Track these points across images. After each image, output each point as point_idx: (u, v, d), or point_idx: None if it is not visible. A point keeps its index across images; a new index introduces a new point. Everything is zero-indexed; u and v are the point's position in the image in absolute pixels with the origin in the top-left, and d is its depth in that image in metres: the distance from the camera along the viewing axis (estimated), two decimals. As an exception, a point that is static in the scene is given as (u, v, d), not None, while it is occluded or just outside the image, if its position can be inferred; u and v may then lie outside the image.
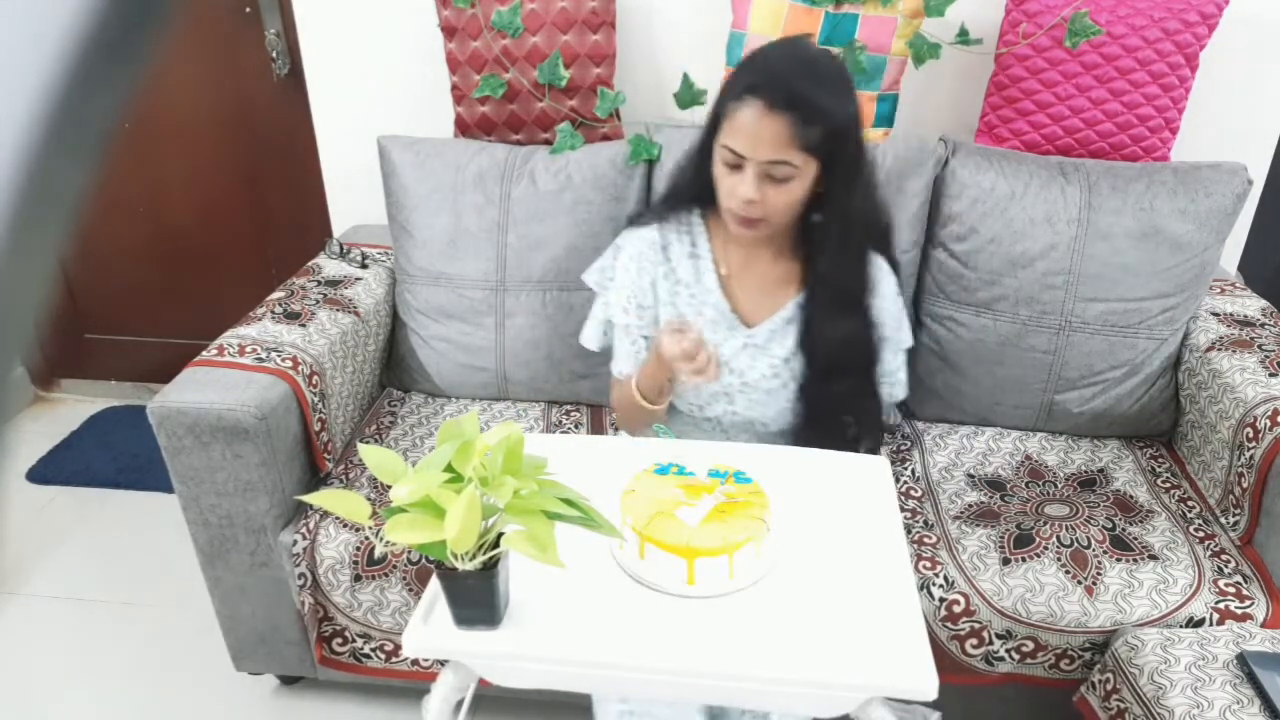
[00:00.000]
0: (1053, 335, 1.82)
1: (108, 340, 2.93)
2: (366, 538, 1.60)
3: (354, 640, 1.69)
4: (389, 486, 0.94)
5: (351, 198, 2.35)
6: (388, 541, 0.92)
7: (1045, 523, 1.61)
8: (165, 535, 2.26)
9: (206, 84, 2.48)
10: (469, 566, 0.95)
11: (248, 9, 2.35)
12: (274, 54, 2.38)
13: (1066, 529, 1.59)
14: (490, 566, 0.97)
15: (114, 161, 2.47)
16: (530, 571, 1.00)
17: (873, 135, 1.89)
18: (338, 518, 1.62)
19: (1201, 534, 1.61)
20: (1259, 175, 2.03)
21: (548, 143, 1.98)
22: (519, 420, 1.93)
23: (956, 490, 1.75)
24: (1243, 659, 1.29)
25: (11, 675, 1.99)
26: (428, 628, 1.03)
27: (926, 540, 1.60)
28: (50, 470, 2.62)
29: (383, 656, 1.70)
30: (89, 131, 0.23)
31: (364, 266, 2.05)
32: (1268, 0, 1.92)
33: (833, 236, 1.42)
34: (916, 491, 1.74)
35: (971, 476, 1.79)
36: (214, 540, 1.65)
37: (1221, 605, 1.47)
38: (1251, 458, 1.58)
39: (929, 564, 1.55)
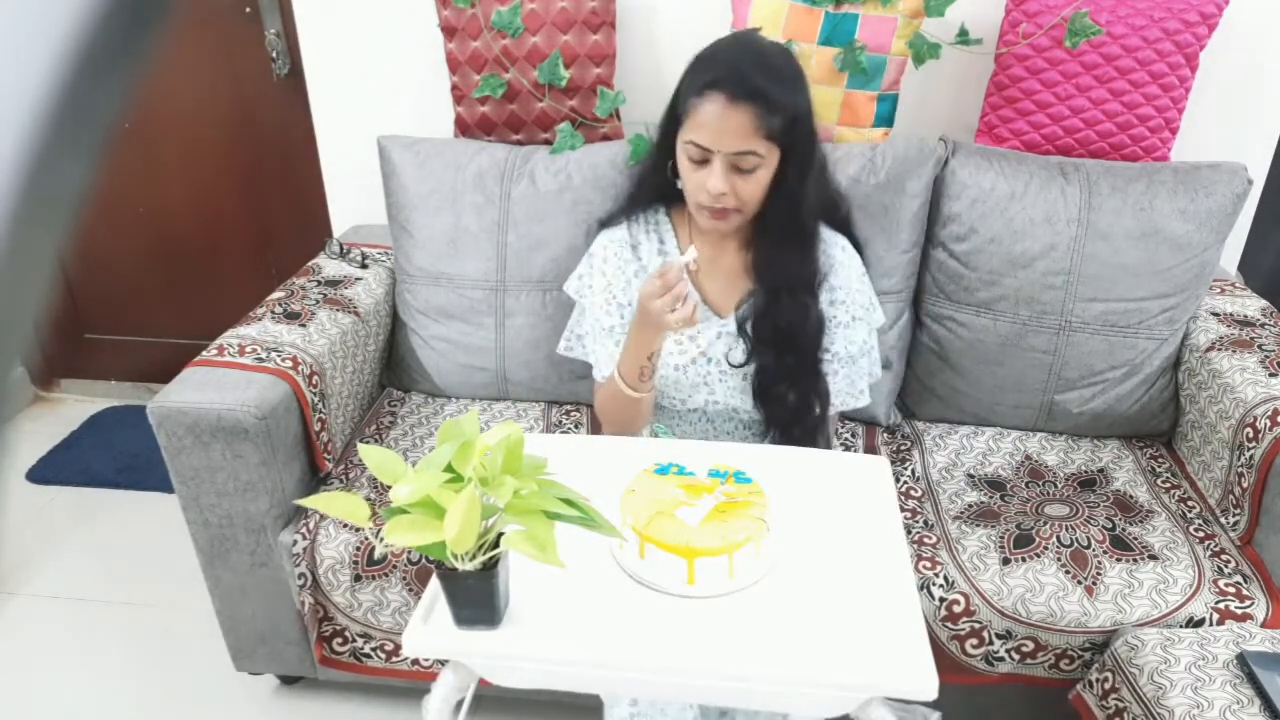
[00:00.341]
0: (1053, 335, 1.82)
1: (108, 340, 2.93)
2: (366, 538, 1.61)
3: (354, 640, 1.69)
4: (389, 486, 0.94)
5: (351, 198, 2.35)
6: (388, 542, 0.92)
7: (1045, 523, 1.61)
8: (165, 535, 2.26)
9: (206, 84, 2.48)
10: (469, 566, 0.95)
11: (248, 9, 2.35)
12: (274, 54, 2.38)
13: (1066, 529, 1.59)
14: (490, 566, 0.97)
15: (114, 161, 2.47)
16: (530, 571, 1.00)
17: (872, 135, 1.89)
18: (338, 518, 1.62)
19: (1201, 534, 1.61)
20: (1259, 175, 2.03)
21: (548, 143, 1.98)
22: (519, 420, 1.93)
23: (956, 490, 1.75)
24: (1243, 659, 1.29)
25: (11, 675, 1.99)
26: (428, 628, 1.03)
27: (926, 540, 1.60)
28: (50, 470, 2.62)
29: (383, 656, 1.70)
30: (89, 131, 0.23)
31: (364, 266, 2.05)
32: (1268, 0, 1.92)
33: (779, 222, 1.44)
34: (916, 491, 1.74)
35: (971, 476, 1.79)
36: (214, 540, 1.65)
37: (1221, 605, 1.47)
38: (1251, 458, 1.58)
39: (929, 564, 1.55)
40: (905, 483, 1.76)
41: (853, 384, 1.57)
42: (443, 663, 1.10)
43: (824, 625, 1.04)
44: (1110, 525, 1.61)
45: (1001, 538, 1.58)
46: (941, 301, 1.88)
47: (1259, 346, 1.76)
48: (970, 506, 1.70)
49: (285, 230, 2.65)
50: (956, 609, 1.51)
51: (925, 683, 0.96)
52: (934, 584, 1.52)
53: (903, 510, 1.63)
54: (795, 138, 1.36)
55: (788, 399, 1.50)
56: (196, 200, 2.66)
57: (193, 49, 2.42)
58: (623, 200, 1.64)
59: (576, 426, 1.93)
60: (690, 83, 1.38)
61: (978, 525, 1.63)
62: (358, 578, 1.61)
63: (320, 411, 1.70)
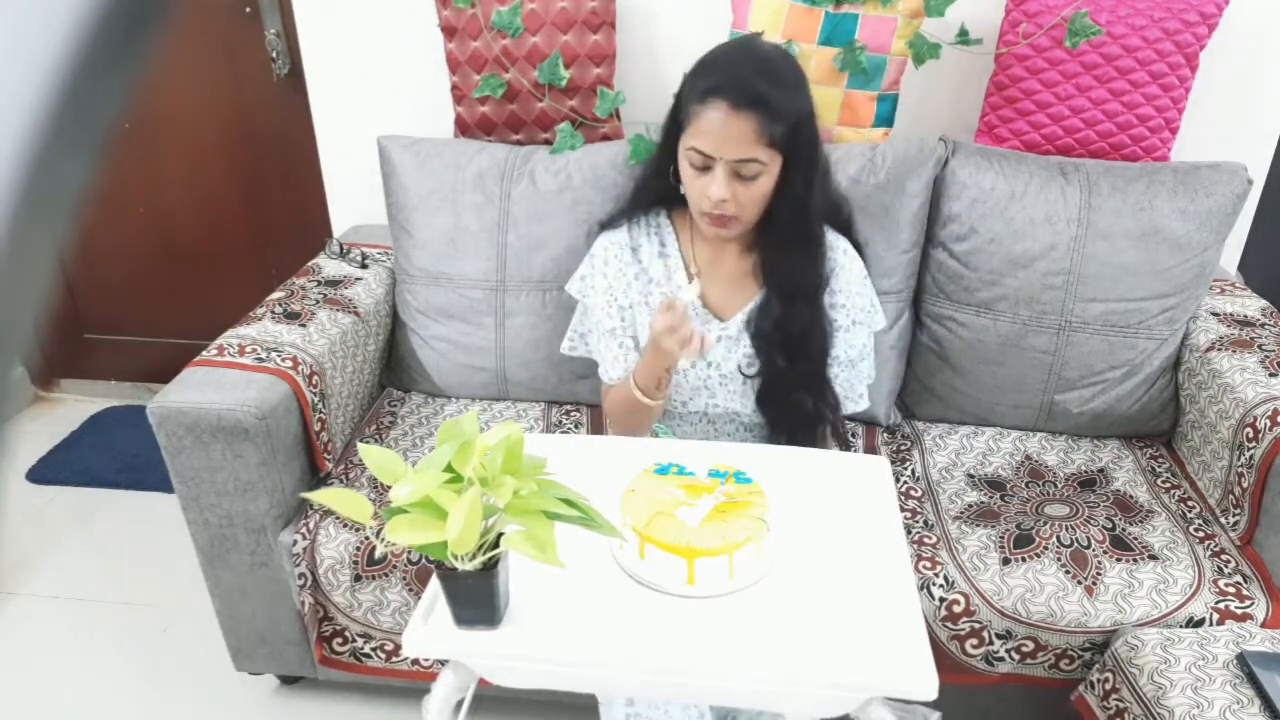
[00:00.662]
0: (1052, 335, 1.82)
1: (108, 340, 2.93)
2: (367, 538, 1.61)
3: (354, 640, 1.69)
4: (389, 487, 0.94)
5: (351, 198, 2.36)
6: (388, 542, 0.92)
7: (1045, 523, 1.61)
8: (165, 535, 2.26)
9: (206, 84, 2.48)
10: (469, 566, 0.95)
11: (248, 9, 2.35)
12: (274, 54, 2.38)
13: (1066, 529, 1.59)
14: (490, 566, 0.97)
15: (114, 161, 2.46)
16: (530, 571, 1.00)
17: (872, 135, 1.89)
18: (338, 518, 1.62)
19: (1201, 534, 1.61)
20: (1259, 175, 2.03)
21: (548, 143, 1.98)
22: (519, 420, 1.93)
23: (956, 490, 1.75)
24: (1243, 659, 1.29)
25: (11, 675, 1.99)
26: (428, 628, 1.03)
27: (926, 540, 1.60)
28: (50, 470, 2.62)
29: (383, 656, 1.70)
30: (89, 131, 0.23)
31: (364, 266, 2.05)
32: (1267, 0, 1.92)
33: (786, 227, 1.44)
34: (916, 491, 1.74)
35: (971, 476, 1.79)
36: (214, 540, 1.65)
37: (1221, 605, 1.47)
38: (1251, 458, 1.58)
39: (929, 564, 1.55)
40: (905, 483, 1.76)
41: (852, 388, 1.57)
42: (443, 663, 1.10)
43: (824, 625, 1.04)
44: (1110, 525, 1.61)
45: (1001, 538, 1.58)
46: (941, 301, 1.88)
47: (1259, 346, 1.76)
48: (970, 506, 1.70)
49: (285, 230, 2.65)
50: (956, 609, 1.51)
51: (925, 683, 0.96)
52: (934, 584, 1.52)
53: (903, 510, 1.63)
54: (798, 143, 1.36)
55: (804, 406, 1.50)
56: (197, 200, 2.66)
57: (193, 49, 2.42)
58: (624, 202, 1.64)
59: (576, 426, 1.93)
60: (692, 89, 1.37)
61: (978, 525, 1.63)
62: (358, 578, 1.61)
63: (320, 411, 1.70)
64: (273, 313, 1.81)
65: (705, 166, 1.36)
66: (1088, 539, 1.57)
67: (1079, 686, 1.46)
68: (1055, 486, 1.76)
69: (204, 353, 1.67)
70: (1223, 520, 1.65)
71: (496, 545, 0.96)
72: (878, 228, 1.79)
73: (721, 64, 1.38)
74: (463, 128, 2.04)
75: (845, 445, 1.68)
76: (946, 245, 1.85)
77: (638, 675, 1.05)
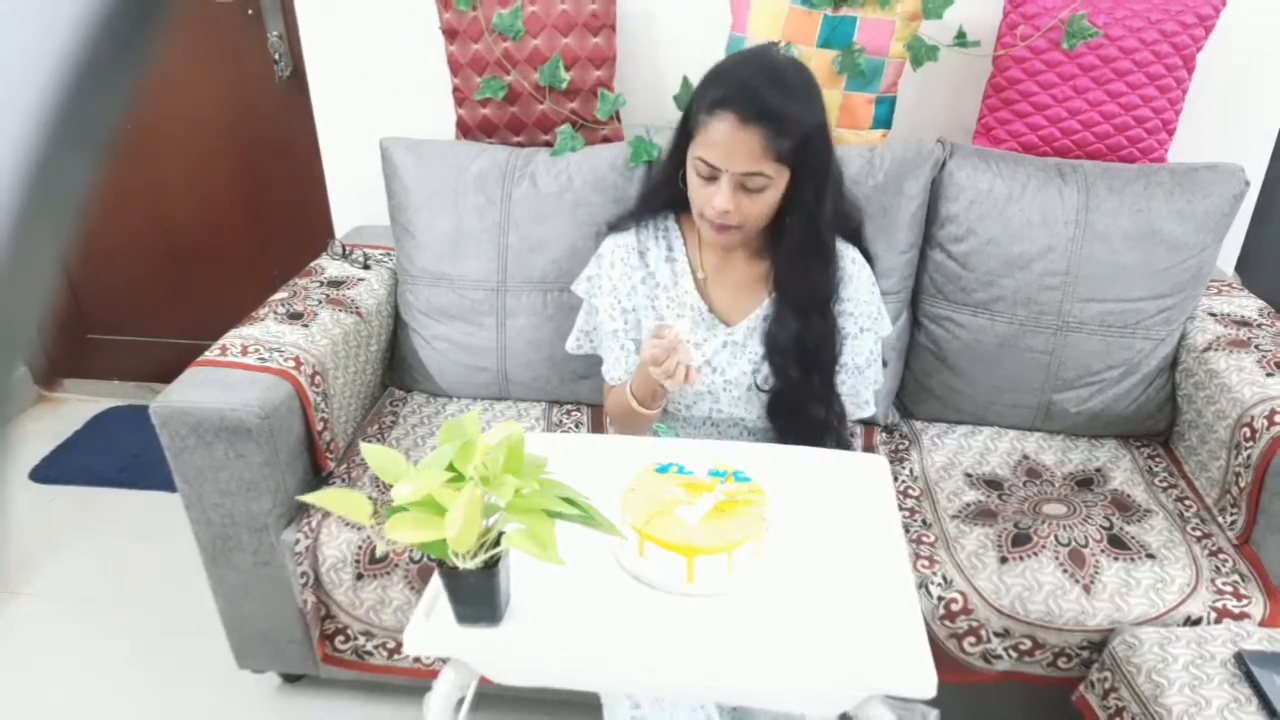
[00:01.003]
0: (1050, 336, 1.82)
1: (111, 340, 2.94)
2: (368, 537, 1.61)
3: (356, 638, 1.70)
4: (391, 485, 0.95)
5: (353, 199, 2.36)
6: (389, 540, 0.92)
7: (1043, 522, 1.61)
8: (168, 534, 2.26)
9: (209, 86, 2.48)
10: (470, 565, 0.96)
11: (250, 11, 2.36)
12: (276, 56, 2.39)
13: (1064, 528, 1.59)
14: (491, 565, 0.97)
15: (117, 162, 2.47)
16: (531, 570, 1.01)
17: (871, 137, 1.90)
18: (340, 516, 1.63)
19: (1199, 533, 1.62)
20: (1256, 176, 2.04)
21: (548, 145, 1.99)
22: (520, 420, 1.94)
23: (954, 489, 1.75)
24: (1240, 658, 1.30)
25: (13, 675, 2.00)
26: (429, 626, 1.04)
27: (925, 539, 1.61)
28: (53, 470, 2.63)
29: (385, 654, 1.71)
30: (92, 132, 0.24)
31: (366, 267, 2.06)
32: (1264, 3, 1.93)
33: (797, 239, 1.44)
34: (914, 490, 1.75)
35: (969, 476, 1.80)
36: (217, 539, 1.66)
37: (1219, 604, 1.48)
38: (1248, 457, 1.59)
39: (927, 563, 1.55)
40: (903, 482, 1.77)
41: (858, 394, 1.56)
42: (444, 661, 1.10)
43: (823, 624, 1.04)
44: (1108, 524, 1.61)
45: (999, 536, 1.59)
46: (939, 302, 1.89)
47: (1256, 346, 1.77)
48: (968, 505, 1.70)
49: (287, 231, 2.65)
50: (954, 607, 1.51)
51: (924, 681, 0.96)
52: (932, 582, 1.53)
53: (901, 509, 1.64)
54: (807, 157, 1.34)
55: (816, 416, 1.50)
56: (199, 201, 2.67)
57: (195, 51, 2.43)
58: (632, 206, 1.64)
59: (577, 426, 1.94)
60: (702, 98, 1.36)
61: (976, 524, 1.64)
62: (360, 576, 1.62)
63: (323, 411, 1.71)
64: (275, 313, 1.82)
65: (711, 176, 1.35)
66: (1085, 538, 1.57)
67: (1080, 686, 1.46)
68: (1053, 486, 1.77)
69: (207, 353, 1.68)
70: (1220, 520, 1.66)
71: (497, 544, 0.96)
72: (876, 229, 1.79)
73: (733, 75, 1.36)
74: (464, 130, 2.05)
75: (846, 450, 1.68)
76: (944, 246, 1.85)
77: (637, 673, 1.06)
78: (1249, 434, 1.60)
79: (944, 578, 1.53)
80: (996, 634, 1.52)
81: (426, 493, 0.93)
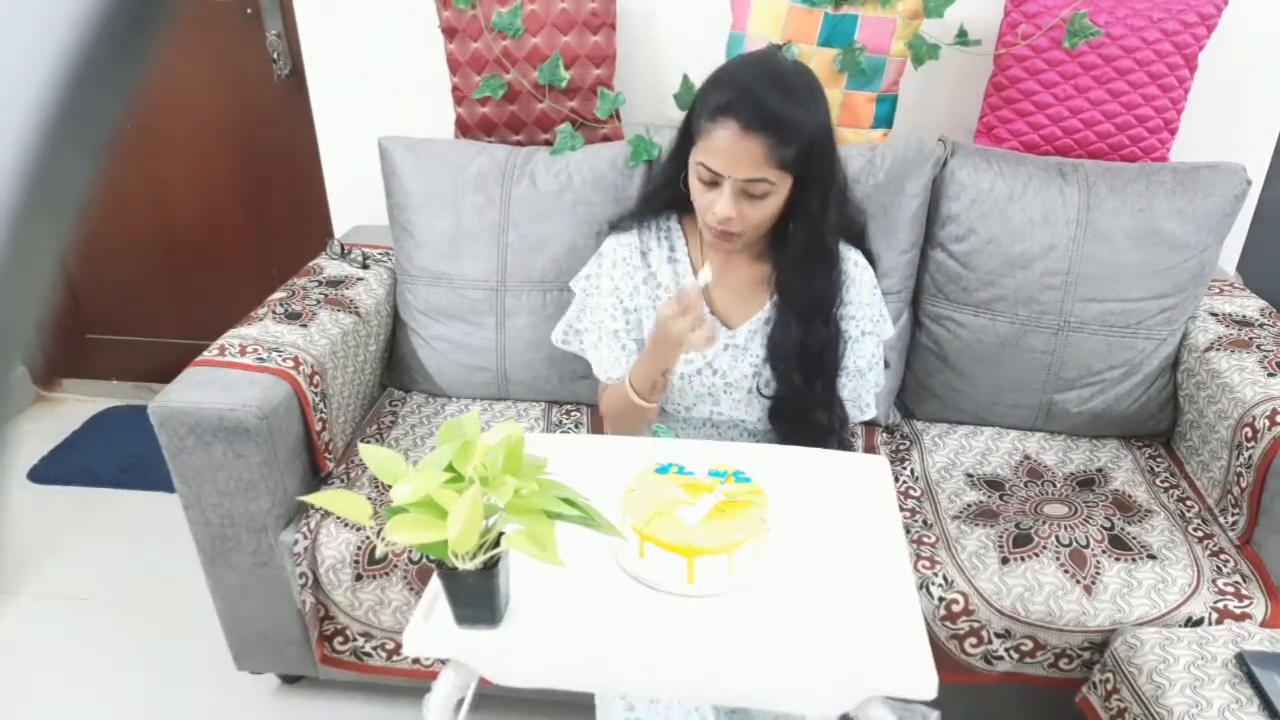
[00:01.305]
0: (1051, 335, 1.82)
1: (109, 340, 2.94)
2: (368, 537, 1.61)
3: (355, 639, 1.69)
4: (390, 486, 0.94)
5: (352, 198, 2.36)
6: (388, 541, 0.92)
7: (1044, 522, 1.61)
8: (166, 535, 2.26)
9: (208, 85, 2.48)
10: (470, 566, 0.96)
11: (249, 10, 2.36)
12: (275, 55, 2.39)
13: (1065, 528, 1.59)
14: (491, 566, 0.97)
15: (116, 162, 2.47)
16: (530, 571, 1.01)
17: (872, 136, 1.90)
18: (339, 517, 1.63)
19: (1200, 534, 1.62)
20: (1257, 176, 2.03)
21: (548, 143, 1.98)
22: (519, 420, 1.94)
23: (955, 490, 1.75)
24: (1241, 659, 1.30)
25: (12, 675, 1.99)
26: (428, 627, 1.04)
27: (925, 540, 1.60)
28: (51, 470, 2.63)
29: (384, 655, 1.70)
30: (91, 132, 0.23)
31: (365, 267, 2.05)
32: (1266, 2, 1.92)
33: (801, 245, 1.43)
34: (915, 491, 1.75)
35: (970, 476, 1.80)
36: (215, 540, 1.66)
37: (1220, 605, 1.47)
38: (1250, 458, 1.58)
39: (928, 563, 1.55)
40: (904, 482, 1.76)
41: (859, 397, 1.56)
42: (443, 662, 1.10)
43: (823, 624, 1.04)
44: (1109, 525, 1.61)
45: (1000, 537, 1.59)
46: (940, 302, 1.89)
47: (1257, 346, 1.76)
48: (969, 506, 1.70)
49: (286, 231, 2.65)
50: (955, 608, 1.51)
51: (925, 682, 0.96)
52: (933, 583, 1.52)
53: (901, 510, 1.64)
54: (811, 163, 1.33)
55: (820, 421, 1.49)
56: (198, 200, 2.67)
57: (194, 50, 2.42)
58: (634, 206, 1.64)
59: (577, 426, 1.94)
60: (705, 102, 1.35)
61: (976, 525, 1.63)
62: (359, 577, 1.62)
63: (321, 411, 1.71)
64: (274, 313, 1.82)
65: (713, 182, 1.34)
66: (1086, 538, 1.57)
67: (1083, 687, 1.46)
68: (1054, 486, 1.76)
69: (205, 353, 1.67)
70: (1221, 520, 1.65)
71: (497, 544, 0.96)
72: (877, 228, 1.79)
73: (736, 79, 1.35)
74: (463, 129, 2.05)
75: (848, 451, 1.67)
76: (945, 246, 1.85)
77: (637, 674, 1.06)
78: (1250, 434, 1.60)
79: (945, 578, 1.53)
80: (997, 635, 1.51)
81: (426, 493, 0.92)
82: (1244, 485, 1.60)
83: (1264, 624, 1.46)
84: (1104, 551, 1.55)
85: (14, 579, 2.23)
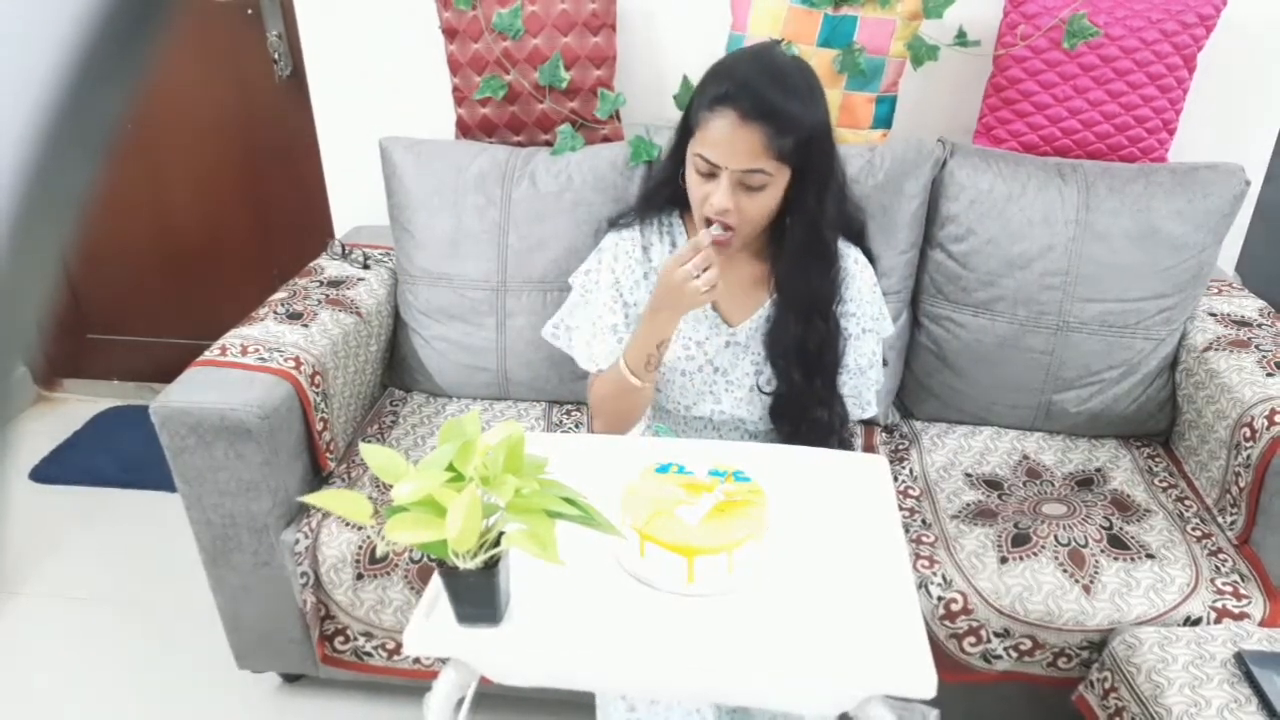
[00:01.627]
0: (1050, 335, 1.82)
1: (110, 340, 2.94)
2: (368, 537, 1.61)
3: (356, 638, 1.70)
4: (391, 485, 0.94)
5: (353, 199, 2.36)
6: (389, 540, 0.92)
7: (1043, 522, 1.61)
8: (167, 535, 2.26)
9: (208, 86, 2.48)
10: (470, 565, 0.96)
11: (249, 11, 2.36)
12: (276, 56, 2.39)
13: (1064, 528, 1.59)
14: (491, 565, 0.97)
15: (117, 162, 2.47)
16: (531, 570, 1.01)
17: (871, 137, 1.90)
18: (340, 517, 1.63)
19: (1199, 533, 1.62)
20: (1256, 176, 2.04)
21: (548, 144, 1.99)
22: (520, 420, 1.94)
23: (954, 489, 1.75)
24: (1240, 658, 1.30)
25: (13, 675, 2.00)
26: (429, 626, 1.04)
27: (924, 539, 1.61)
28: (53, 470, 2.63)
29: (384, 654, 1.71)
30: (92, 132, 0.24)
31: (366, 267, 2.06)
32: (1265, 2, 1.93)
33: (799, 241, 1.43)
34: (914, 490, 1.75)
35: (969, 476, 1.80)
36: (217, 539, 1.66)
37: (1219, 604, 1.48)
38: (1248, 458, 1.59)
39: (927, 563, 1.55)
40: (903, 482, 1.77)
41: (860, 395, 1.56)
42: (444, 661, 1.10)
43: (823, 624, 1.04)
44: (1108, 524, 1.61)
45: (999, 536, 1.59)
46: (940, 302, 1.89)
47: (1256, 347, 1.77)
48: (968, 505, 1.70)
49: (287, 231, 2.65)
50: (954, 607, 1.51)
51: (924, 681, 0.96)
52: (932, 582, 1.53)
53: (901, 509, 1.64)
54: (809, 157, 1.33)
55: (820, 420, 1.50)
56: (199, 201, 2.67)
57: (195, 51, 2.43)
58: (635, 203, 1.63)
59: (577, 426, 1.94)
60: (703, 94, 1.35)
61: (975, 524, 1.64)
62: (359, 576, 1.62)
63: (322, 411, 1.71)
64: (275, 313, 1.82)
65: (711, 174, 1.34)
66: (1085, 538, 1.57)
67: (1080, 686, 1.46)
68: (1053, 486, 1.77)
69: (206, 353, 1.68)
70: (1220, 520, 1.66)
71: (497, 544, 0.96)
72: (876, 228, 1.79)
73: (735, 72, 1.35)
74: (464, 129, 2.05)
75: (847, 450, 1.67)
76: (944, 246, 1.85)
77: (637, 673, 1.06)
78: (1249, 434, 1.60)
79: (944, 578, 1.53)
80: (996, 634, 1.52)
81: (426, 493, 0.93)
82: (1242, 485, 1.60)
83: (1262, 623, 1.46)
84: (1103, 551, 1.55)
85: (14, 579, 2.23)
